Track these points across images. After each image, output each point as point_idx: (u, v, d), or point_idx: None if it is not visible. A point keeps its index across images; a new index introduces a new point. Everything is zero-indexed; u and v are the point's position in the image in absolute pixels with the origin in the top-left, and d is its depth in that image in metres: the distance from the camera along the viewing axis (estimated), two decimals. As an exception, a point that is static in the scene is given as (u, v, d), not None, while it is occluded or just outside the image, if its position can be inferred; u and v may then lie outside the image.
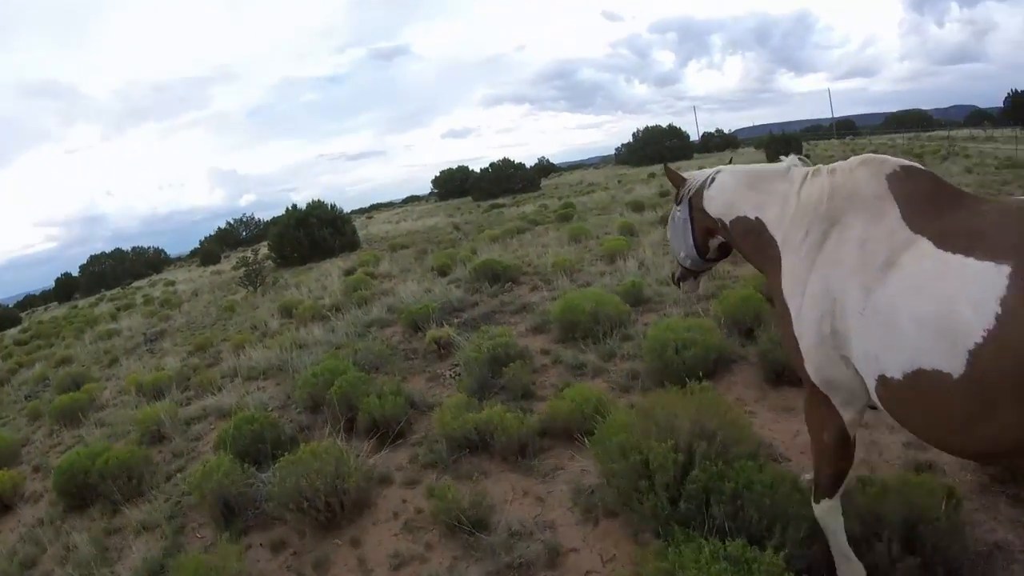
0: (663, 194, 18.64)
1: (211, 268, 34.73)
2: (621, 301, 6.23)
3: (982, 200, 1.89)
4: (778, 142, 37.59)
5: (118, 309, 22.33)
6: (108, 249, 57.86)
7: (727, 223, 2.63)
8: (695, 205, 2.82)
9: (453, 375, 5.81)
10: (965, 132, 44.02)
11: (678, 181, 2.95)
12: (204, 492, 3.95)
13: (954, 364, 1.65)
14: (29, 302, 61.35)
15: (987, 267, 1.62)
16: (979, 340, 1.60)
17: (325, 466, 3.69)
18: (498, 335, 5.73)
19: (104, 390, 9.10)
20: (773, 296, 2.37)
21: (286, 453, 4.45)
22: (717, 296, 6.46)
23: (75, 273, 54.56)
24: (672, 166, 3.34)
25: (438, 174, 60.09)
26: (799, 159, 2.46)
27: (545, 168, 64.26)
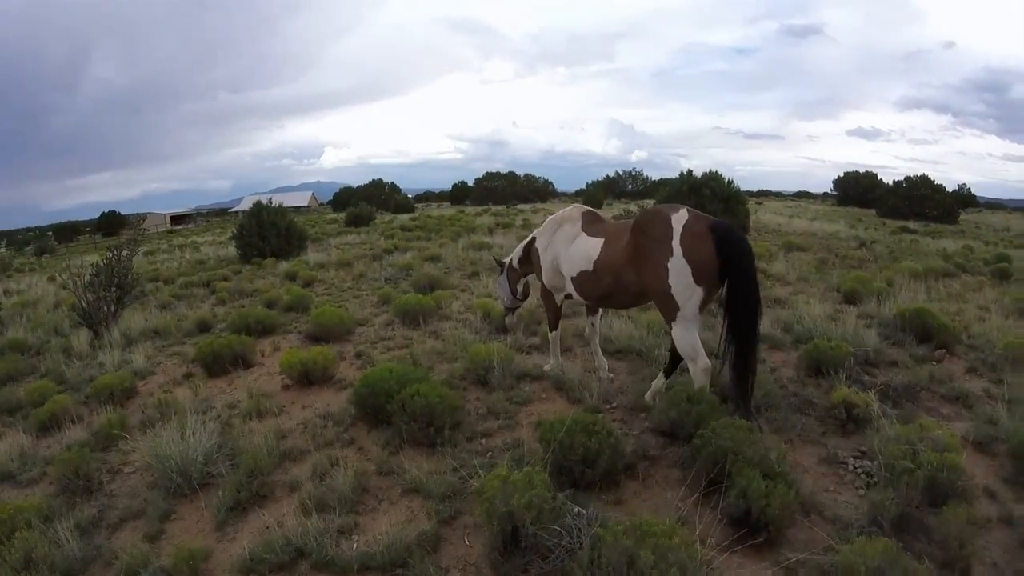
0: None
1: (592, 211, 35.05)
2: None
3: (609, 220, 5.27)
4: None
5: (497, 225, 23.15)
6: (504, 171, 64.70)
7: (526, 255, 5.98)
8: (510, 268, 6.23)
9: (859, 471, 3.81)
10: None
11: (500, 265, 6.52)
12: (493, 511, 2.91)
13: (588, 267, 4.84)
14: (426, 197, 73.36)
15: (598, 240, 4.86)
16: (595, 258, 4.79)
17: (667, 566, 2.30)
18: (941, 445, 3.55)
19: (454, 301, 9.04)
20: (534, 262, 5.65)
21: (615, 487, 3.70)
22: None
23: (470, 183, 62.78)
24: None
25: (841, 175, 55.09)
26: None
27: (964, 198, 51.89)
